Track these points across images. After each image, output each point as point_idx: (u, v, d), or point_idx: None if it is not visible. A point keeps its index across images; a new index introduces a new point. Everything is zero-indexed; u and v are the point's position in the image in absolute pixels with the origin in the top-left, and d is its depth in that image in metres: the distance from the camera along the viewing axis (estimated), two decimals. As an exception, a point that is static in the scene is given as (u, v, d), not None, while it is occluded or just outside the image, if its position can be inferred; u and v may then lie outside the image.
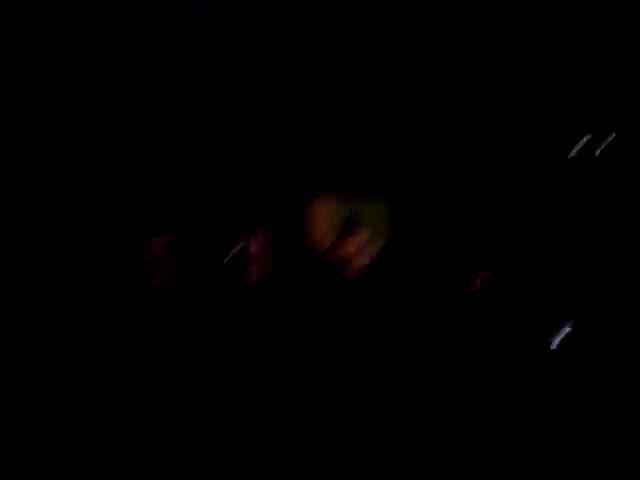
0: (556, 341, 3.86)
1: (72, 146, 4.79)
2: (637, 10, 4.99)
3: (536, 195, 5.01)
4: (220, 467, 3.38)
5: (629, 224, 4.87)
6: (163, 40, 5.04)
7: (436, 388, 3.76)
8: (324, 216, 5.13)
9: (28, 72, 4.96)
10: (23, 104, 4.86)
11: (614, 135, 5.17)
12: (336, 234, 5.17)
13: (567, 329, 3.95)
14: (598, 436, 3.37)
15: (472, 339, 4.00)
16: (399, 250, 5.10)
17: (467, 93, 5.20)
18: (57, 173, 4.70)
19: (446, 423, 3.58)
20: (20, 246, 4.26)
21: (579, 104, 5.18)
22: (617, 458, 3.34)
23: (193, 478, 3.25)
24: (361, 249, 5.24)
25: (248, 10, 5.24)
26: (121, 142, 5.13)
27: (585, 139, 5.16)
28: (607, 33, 5.15)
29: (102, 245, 4.30)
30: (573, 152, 5.19)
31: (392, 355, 4.10)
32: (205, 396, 3.67)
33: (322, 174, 5.08)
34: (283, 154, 5.13)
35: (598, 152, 5.14)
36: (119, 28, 4.99)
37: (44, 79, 4.96)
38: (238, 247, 4.53)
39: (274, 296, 4.40)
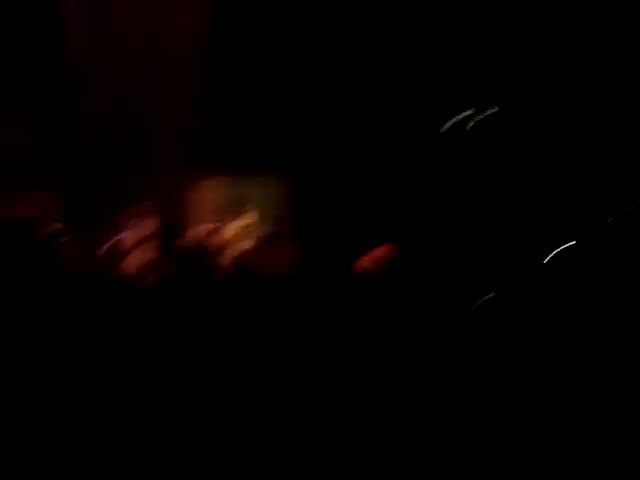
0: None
1: None
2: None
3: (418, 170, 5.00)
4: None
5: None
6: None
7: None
8: (211, 199, 5.00)
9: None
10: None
11: (487, 111, 5.23)
12: (221, 217, 5.06)
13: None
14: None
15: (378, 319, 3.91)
16: (288, 233, 5.01)
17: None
18: None
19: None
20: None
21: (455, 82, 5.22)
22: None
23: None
24: (246, 233, 5.15)
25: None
26: None
27: (460, 115, 5.19)
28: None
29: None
30: (446, 126, 5.22)
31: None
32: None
33: (209, 156, 4.95)
34: (169, 136, 4.98)
35: (470, 125, 5.19)
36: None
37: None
38: (118, 237, 4.37)
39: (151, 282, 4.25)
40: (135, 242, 4.29)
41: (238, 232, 4.87)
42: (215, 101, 5.22)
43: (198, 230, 4.91)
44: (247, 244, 5.03)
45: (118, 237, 4.30)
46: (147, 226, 4.39)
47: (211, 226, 4.90)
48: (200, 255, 4.64)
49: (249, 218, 4.93)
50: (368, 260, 4.15)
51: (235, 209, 4.87)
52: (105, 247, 4.26)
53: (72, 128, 4.99)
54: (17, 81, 4.92)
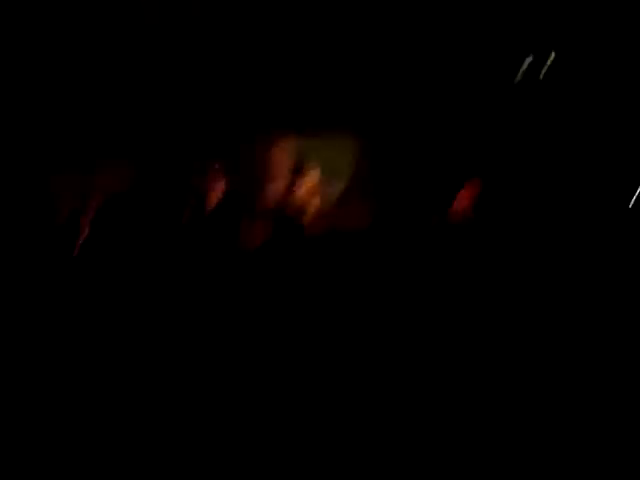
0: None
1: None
2: None
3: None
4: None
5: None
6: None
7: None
8: (281, 156, 4.88)
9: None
10: None
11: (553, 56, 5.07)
12: (288, 175, 4.94)
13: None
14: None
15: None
16: (361, 190, 4.88)
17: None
18: None
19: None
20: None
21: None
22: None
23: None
24: (313, 190, 5.02)
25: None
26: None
27: (527, 62, 5.05)
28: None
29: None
30: (518, 76, 5.08)
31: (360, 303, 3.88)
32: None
33: (277, 109, 4.84)
34: (234, 88, 4.88)
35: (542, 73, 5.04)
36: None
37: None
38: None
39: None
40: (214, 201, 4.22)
41: (309, 190, 4.77)
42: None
43: (272, 189, 4.82)
44: (317, 202, 4.93)
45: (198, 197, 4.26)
46: (221, 185, 4.31)
47: (284, 185, 4.80)
48: (284, 214, 4.56)
49: (313, 175, 4.81)
50: (462, 201, 4.03)
51: (298, 167, 4.76)
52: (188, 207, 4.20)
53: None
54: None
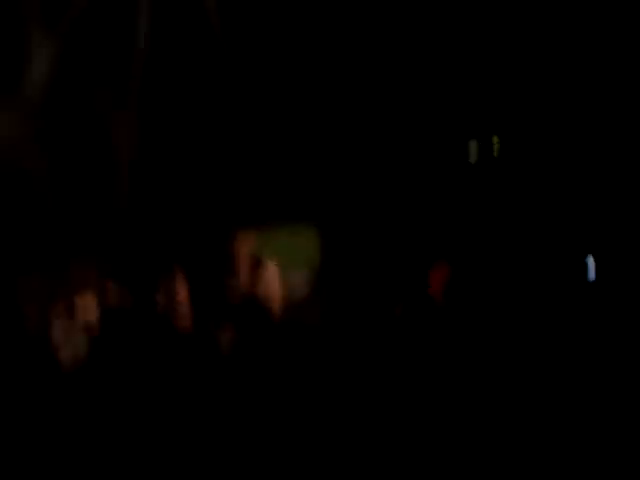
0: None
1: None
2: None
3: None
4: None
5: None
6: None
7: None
8: (240, 251, 4.89)
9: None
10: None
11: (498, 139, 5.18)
12: (246, 270, 4.93)
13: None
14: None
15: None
16: (323, 278, 4.89)
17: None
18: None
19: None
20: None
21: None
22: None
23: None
24: (271, 282, 5.01)
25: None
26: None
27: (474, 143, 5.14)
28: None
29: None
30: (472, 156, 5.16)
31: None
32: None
33: (238, 209, 4.87)
34: (198, 190, 4.90)
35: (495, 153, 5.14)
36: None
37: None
38: (164, 292, 4.26)
39: (215, 340, 4.16)
40: (184, 298, 4.21)
41: (270, 283, 4.77)
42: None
43: (234, 285, 4.81)
44: (274, 294, 4.92)
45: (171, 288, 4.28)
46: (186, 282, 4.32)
47: (245, 280, 4.79)
48: (247, 308, 4.56)
49: (271, 269, 4.82)
50: (436, 284, 4.06)
51: (255, 261, 4.77)
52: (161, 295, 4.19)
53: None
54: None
